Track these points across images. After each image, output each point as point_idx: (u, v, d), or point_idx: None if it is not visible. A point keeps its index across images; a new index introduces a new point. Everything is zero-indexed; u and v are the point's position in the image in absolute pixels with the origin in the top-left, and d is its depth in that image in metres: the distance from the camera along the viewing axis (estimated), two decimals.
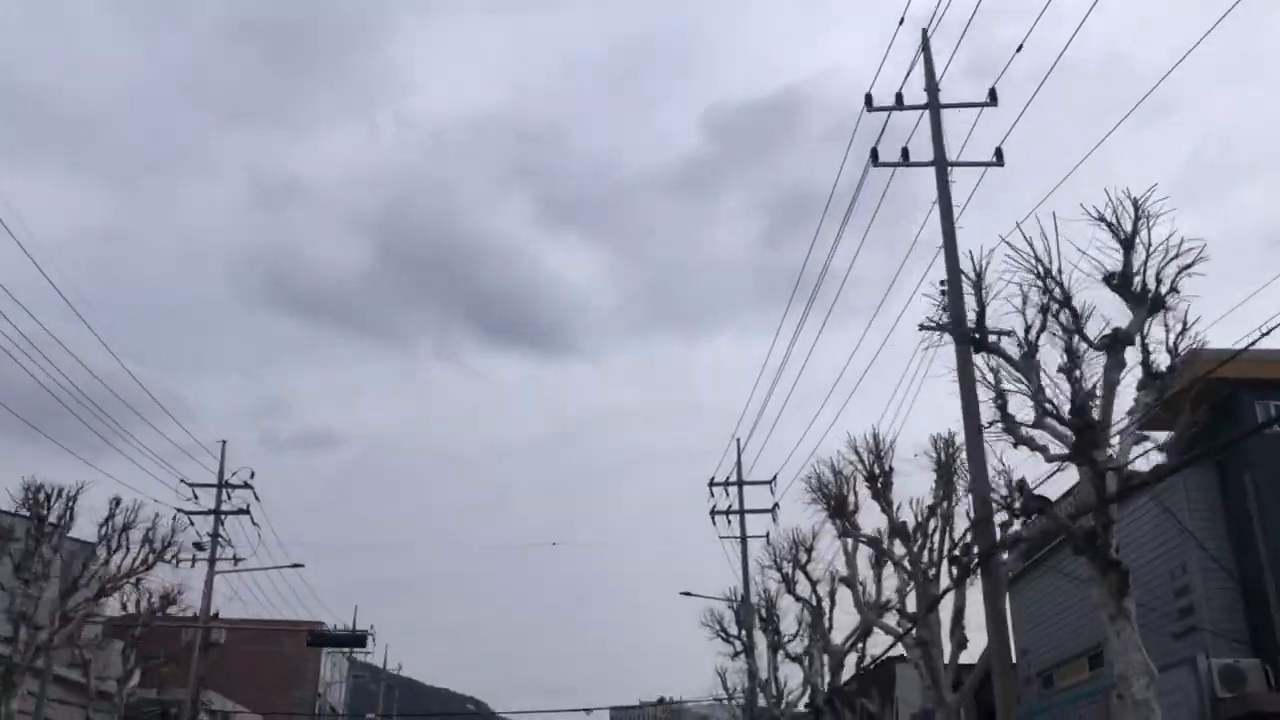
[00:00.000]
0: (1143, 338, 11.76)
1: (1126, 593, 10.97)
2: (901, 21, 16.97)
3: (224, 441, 35.15)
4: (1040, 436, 12.46)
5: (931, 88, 17.46)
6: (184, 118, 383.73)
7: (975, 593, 16.40)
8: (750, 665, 34.50)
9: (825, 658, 26.92)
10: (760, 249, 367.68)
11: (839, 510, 21.32)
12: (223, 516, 33.94)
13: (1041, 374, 12.39)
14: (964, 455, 16.11)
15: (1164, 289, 11.63)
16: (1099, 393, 11.65)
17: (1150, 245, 11.66)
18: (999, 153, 16.68)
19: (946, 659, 18.45)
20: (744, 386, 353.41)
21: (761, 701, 34.57)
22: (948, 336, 15.05)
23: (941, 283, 15.60)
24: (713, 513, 34.91)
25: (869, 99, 17.50)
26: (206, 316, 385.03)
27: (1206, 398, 12.90)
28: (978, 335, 13.43)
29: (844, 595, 23.84)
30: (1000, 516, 14.26)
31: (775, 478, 33.76)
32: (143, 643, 31.50)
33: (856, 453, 20.19)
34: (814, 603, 26.53)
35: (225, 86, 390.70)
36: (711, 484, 35.13)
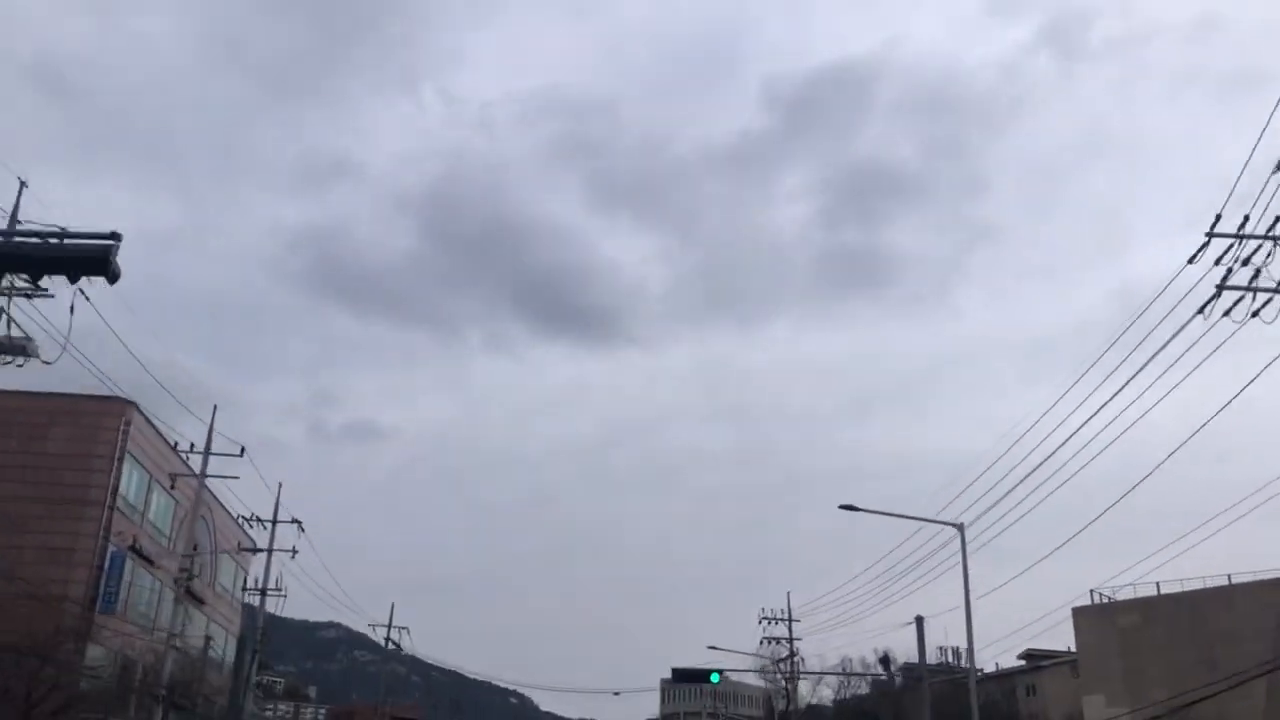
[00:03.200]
0: None
1: None
2: None
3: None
4: None
5: None
6: (230, 93, 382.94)
7: None
8: None
9: None
10: (817, 230, 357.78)
11: None
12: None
13: None
14: None
15: None
16: None
17: None
18: None
19: None
20: (800, 386, 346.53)
21: None
22: None
23: None
24: None
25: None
26: (259, 309, 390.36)
27: None
28: None
29: None
30: None
31: None
32: None
33: None
34: None
35: (270, 58, 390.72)
36: None
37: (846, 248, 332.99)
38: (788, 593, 50.52)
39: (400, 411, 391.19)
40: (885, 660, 57.89)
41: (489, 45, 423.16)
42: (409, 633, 62.30)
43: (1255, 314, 14.79)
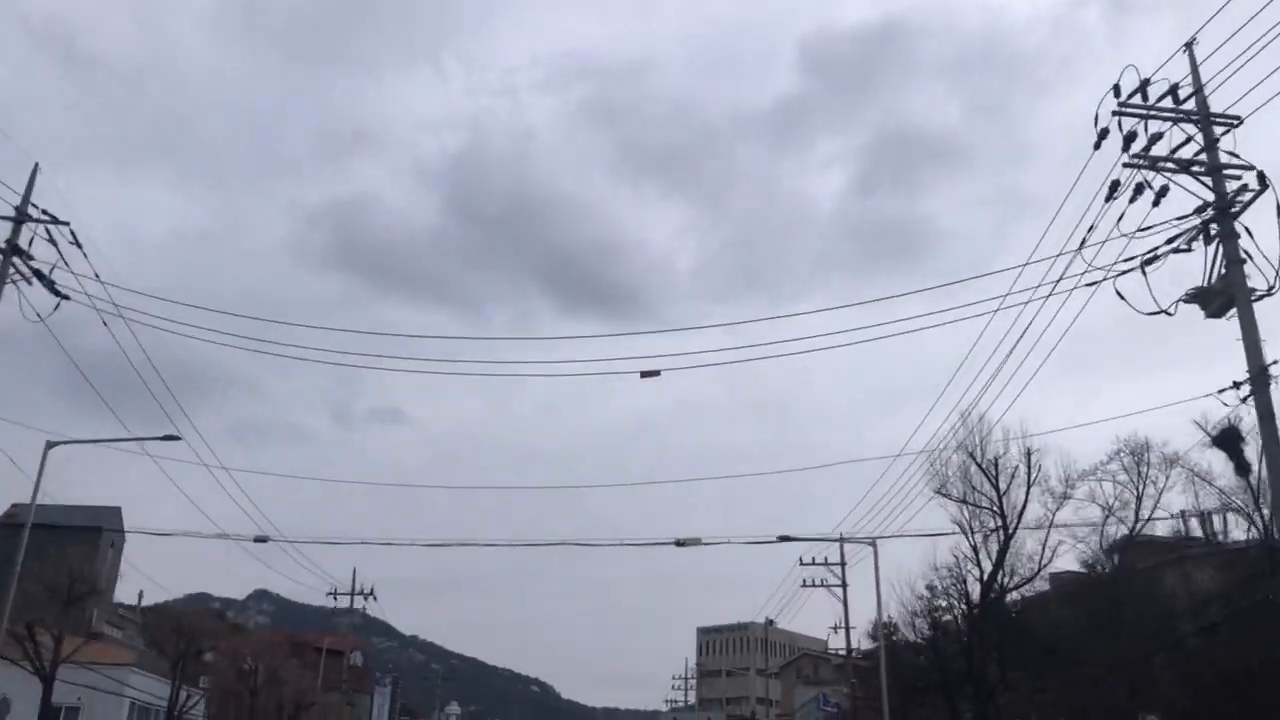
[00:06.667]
0: None
1: None
2: None
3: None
4: None
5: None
6: (251, 61, 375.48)
7: None
8: None
9: None
10: (852, 199, 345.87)
11: None
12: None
13: None
14: None
15: None
16: None
17: None
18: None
19: None
20: (829, 375, 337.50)
21: None
22: None
23: None
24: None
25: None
26: (284, 297, 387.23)
27: None
28: None
29: None
30: None
31: None
32: None
33: None
34: None
35: (290, 23, 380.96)
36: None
37: (883, 218, 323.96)
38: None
39: (424, 400, 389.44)
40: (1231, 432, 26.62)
41: (512, 6, 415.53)
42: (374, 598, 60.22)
43: None
